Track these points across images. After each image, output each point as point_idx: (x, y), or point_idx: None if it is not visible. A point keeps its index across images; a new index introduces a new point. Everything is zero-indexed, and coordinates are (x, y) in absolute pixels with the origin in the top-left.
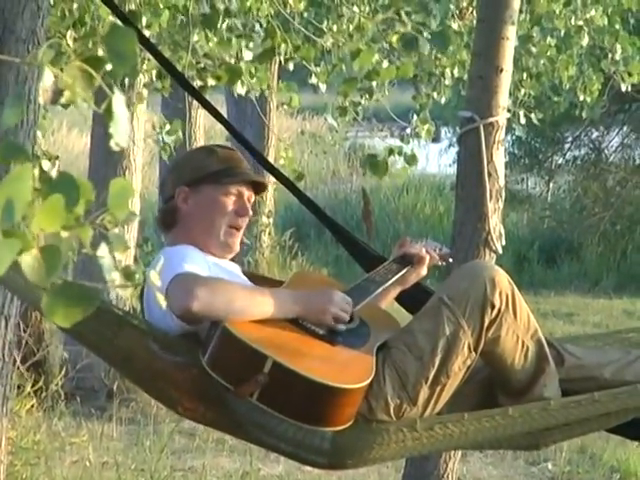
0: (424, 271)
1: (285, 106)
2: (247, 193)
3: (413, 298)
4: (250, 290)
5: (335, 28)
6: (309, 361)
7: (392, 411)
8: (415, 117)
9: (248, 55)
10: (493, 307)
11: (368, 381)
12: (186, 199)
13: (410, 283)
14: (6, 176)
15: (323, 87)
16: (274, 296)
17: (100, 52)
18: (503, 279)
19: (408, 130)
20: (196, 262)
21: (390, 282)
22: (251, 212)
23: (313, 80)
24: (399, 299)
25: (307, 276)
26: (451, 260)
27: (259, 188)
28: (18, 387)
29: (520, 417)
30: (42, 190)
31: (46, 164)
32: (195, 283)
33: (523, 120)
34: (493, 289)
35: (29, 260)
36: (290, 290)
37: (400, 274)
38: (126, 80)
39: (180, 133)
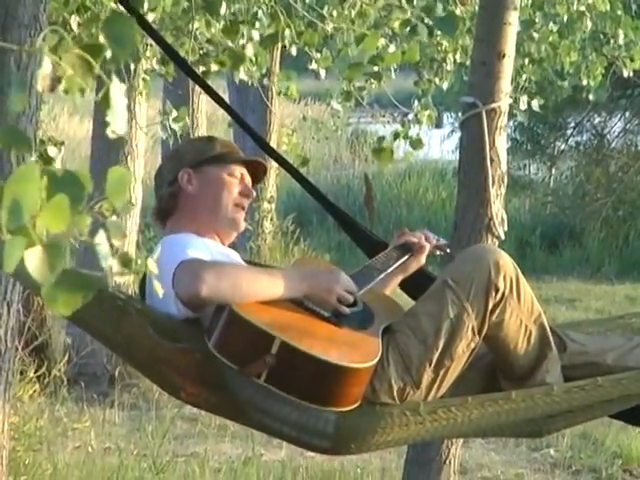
0: (423, 259)
1: (283, 95)
2: (247, 177)
3: (417, 284)
4: (256, 271)
5: (336, 14)
6: (316, 341)
7: (396, 394)
8: (417, 103)
9: (256, 36)
10: (497, 290)
11: (376, 360)
12: (190, 180)
13: (410, 271)
14: (12, 175)
15: (323, 73)
16: (280, 275)
17: (101, 39)
18: (507, 263)
19: (410, 116)
20: (199, 249)
21: (392, 269)
22: (254, 193)
23: (313, 66)
24: (403, 286)
25: (309, 262)
26: (448, 250)
27: (258, 174)
28: (21, 373)
29: (523, 402)
30: (47, 188)
31: (52, 150)
32: (202, 268)
33: (524, 106)
34: (497, 272)
35: (33, 257)
36: (294, 269)
37: (401, 261)
38: (131, 66)
39: (187, 120)
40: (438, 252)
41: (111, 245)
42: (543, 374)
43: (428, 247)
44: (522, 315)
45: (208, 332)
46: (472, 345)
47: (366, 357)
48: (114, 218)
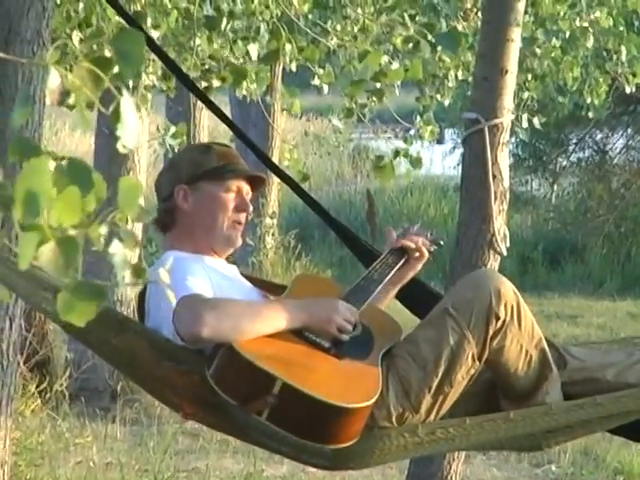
0: (420, 266)
1: (285, 112)
2: (245, 188)
3: (413, 295)
4: (256, 307)
5: (339, 28)
6: (317, 379)
7: (394, 419)
8: (419, 118)
9: (254, 53)
10: (498, 318)
11: (376, 397)
12: (186, 197)
13: (407, 279)
14: (22, 170)
15: (326, 88)
16: (279, 308)
17: (107, 53)
18: (509, 290)
19: (412, 132)
20: (197, 275)
21: (389, 276)
22: (251, 207)
23: (316, 82)
24: (400, 297)
25: (309, 281)
26: (442, 243)
27: (257, 184)
28: (22, 387)
29: (522, 421)
30: (56, 183)
31: (52, 165)
32: (202, 308)
33: (525, 124)
34: (498, 301)
35: (47, 252)
36: (293, 300)
37: (398, 266)
38: (130, 82)
39: (184, 137)
40: (433, 248)
41: (126, 255)
42: (543, 395)
43: (426, 255)
44: (523, 341)
45: (208, 362)
46: (472, 371)
47: (367, 395)
48: (128, 227)
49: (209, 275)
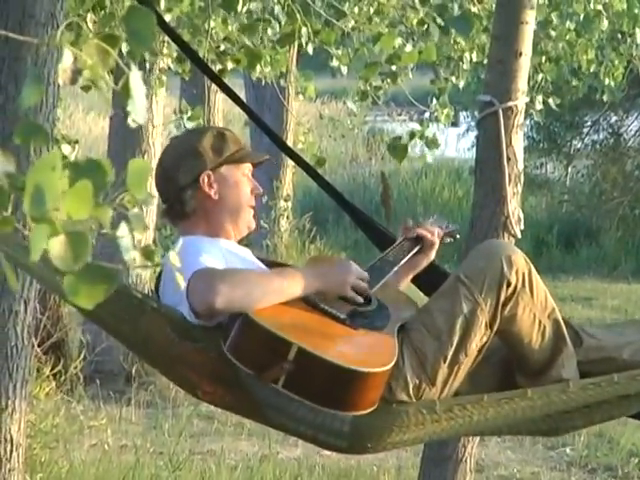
0: (433, 255)
1: (300, 95)
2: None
3: (430, 279)
4: (268, 275)
5: (356, 10)
6: (333, 346)
7: (411, 391)
8: (434, 101)
9: (272, 35)
10: (509, 284)
11: (392, 363)
12: (211, 183)
13: (421, 267)
14: (34, 163)
15: (344, 70)
16: (292, 275)
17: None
18: (519, 258)
19: (427, 114)
20: (212, 254)
21: (404, 261)
22: (261, 189)
23: (334, 63)
24: (416, 282)
25: (322, 259)
26: (458, 236)
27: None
28: (37, 370)
29: (539, 399)
30: (69, 176)
31: (66, 148)
32: (214, 279)
33: (539, 106)
34: (510, 267)
35: (57, 246)
36: (306, 268)
37: (413, 252)
38: (146, 64)
39: (201, 120)
40: (448, 239)
41: (133, 238)
42: (559, 369)
43: (437, 244)
44: (535, 310)
45: (224, 335)
46: (485, 339)
47: (383, 361)
48: (135, 210)
49: (224, 256)
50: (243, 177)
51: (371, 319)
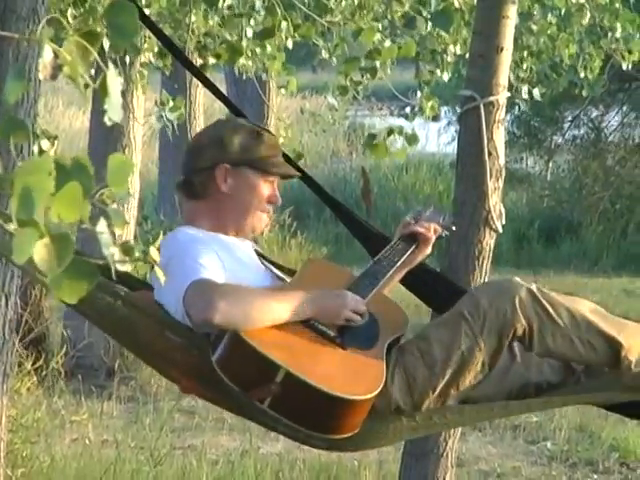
0: (429, 250)
1: (282, 90)
2: (278, 181)
3: (416, 278)
4: (267, 297)
5: (343, 4)
6: (321, 370)
7: (393, 410)
8: (419, 94)
9: (249, 32)
10: (515, 329)
11: (378, 390)
12: (226, 178)
13: (416, 263)
14: (22, 165)
15: (334, 61)
16: (289, 299)
17: (99, 29)
18: (526, 299)
19: (409, 108)
20: (210, 259)
21: (399, 263)
22: (280, 200)
23: (324, 55)
24: (405, 283)
25: (319, 267)
26: (454, 228)
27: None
28: (18, 365)
29: (518, 409)
30: (55, 178)
31: (45, 143)
32: (214, 294)
33: (526, 95)
34: (514, 313)
35: (41, 249)
36: (303, 290)
37: (407, 253)
38: (127, 58)
39: (182, 110)
40: (444, 233)
41: (112, 233)
42: (626, 361)
43: (433, 239)
44: (567, 332)
45: (213, 345)
46: (480, 377)
47: (369, 387)
48: (114, 206)
49: (222, 258)
50: (265, 183)
51: (362, 335)
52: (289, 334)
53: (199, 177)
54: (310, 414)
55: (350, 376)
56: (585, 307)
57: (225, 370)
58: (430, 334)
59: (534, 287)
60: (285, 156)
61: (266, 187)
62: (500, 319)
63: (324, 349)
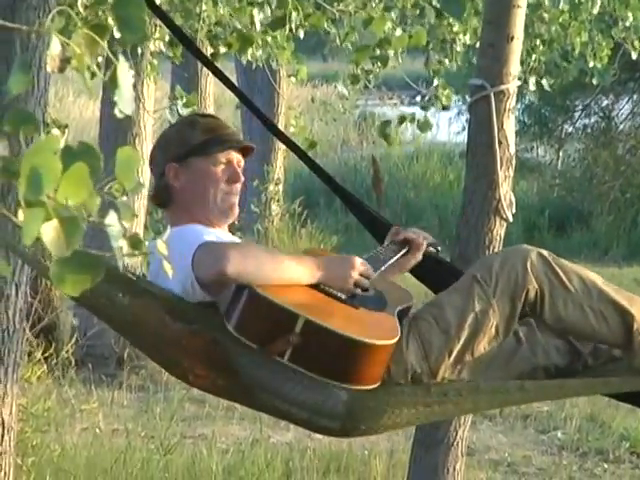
0: (420, 256)
1: (293, 78)
2: (236, 158)
3: (426, 268)
4: (277, 255)
5: None
6: (338, 320)
7: (410, 378)
8: (436, 82)
9: (258, 23)
10: (527, 291)
11: (397, 338)
12: (177, 175)
13: (407, 268)
14: (31, 146)
15: (348, 47)
16: (299, 261)
17: (109, 20)
18: (536, 261)
19: (420, 97)
20: (209, 235)
21: (393, 260)
22: (242, 177)
23: (337, 42)
24: (419, 276)
25: (317, 252)
26: (439, 248)
27: (247, 151)
28: (28, 354)
29: (534, 392)
30: (62, 161)
31: (55, 132)
32: (225, 248)
33: (533, 87)
34: (524, 275)
35: (50, 231)
36: (312, 257)
37: (400, 254)
38: (138, 49)
39: (196, 107)
40: (431, 249)
41: (122, 226)
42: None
43: (425, 244)
44: (579, 299)
45: (227, 314)
46: (494, 343)
47: (388, 334)
48: (124, 199)
49: (222, 239)
50: (215, 166)
51: (370, 302)
52: (303, 295)
53: (159, 185)
54: (331, 362)
55: (367, 326)
56: (596, 276)
57: (243, 330)
58: (443, 300)
59: (545, 252)
60: (296, 147)
61: (219, 169)
62: (512, 281)
63: (337, 306)
